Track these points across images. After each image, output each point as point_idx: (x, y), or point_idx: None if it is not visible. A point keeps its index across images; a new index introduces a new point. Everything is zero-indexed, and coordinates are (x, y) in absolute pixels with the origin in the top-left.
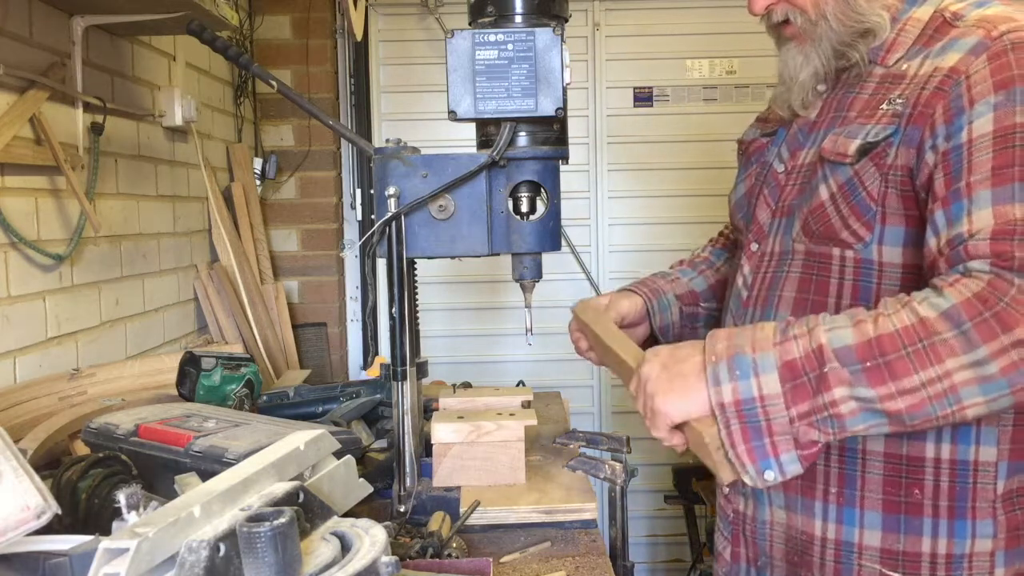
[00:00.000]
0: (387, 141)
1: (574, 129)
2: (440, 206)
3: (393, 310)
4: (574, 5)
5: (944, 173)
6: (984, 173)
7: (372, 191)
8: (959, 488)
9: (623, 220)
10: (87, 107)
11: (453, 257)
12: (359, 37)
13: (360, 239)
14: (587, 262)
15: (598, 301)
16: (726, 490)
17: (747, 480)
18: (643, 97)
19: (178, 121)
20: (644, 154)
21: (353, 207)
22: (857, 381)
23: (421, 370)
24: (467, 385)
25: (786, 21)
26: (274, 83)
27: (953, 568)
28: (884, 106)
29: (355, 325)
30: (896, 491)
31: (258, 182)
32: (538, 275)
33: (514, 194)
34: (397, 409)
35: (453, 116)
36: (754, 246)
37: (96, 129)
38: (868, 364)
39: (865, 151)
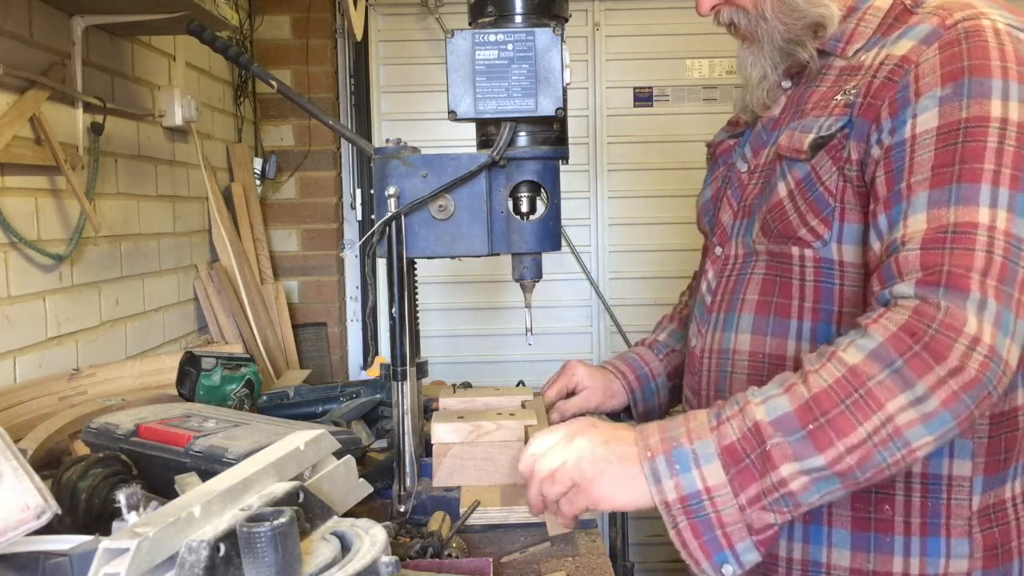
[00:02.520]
0: (387, 141)
1: (574, 129)
2: (440, 206)
3: (393, 310)
4: (574, 5)
5: (886, 171)
6: (924, 173)
7: (372, 191)
8: (931, 504)
9: (623, 220)
10: (87, 107)
11: (453, 257)
12: (359, 37)
13: (360, 239)
14: (587, 262)
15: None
16: None
17: None
18: (643, 97)
19: (178, 121)
20: (644, 154)
21: (353, 207)
22: (803, 451)
23: (421, 370)
24: (467, 385)
25: (733, 22)
26: (274, 83)
27: None
28: (838, 97)
29: (355, 325)
30: (866, 507)
31: (258, 182)
32: (538, 275)
33: (514, 194)
34: (397, 409)
35: (453, 116)
36: (718, 250)
37: (96, 129)
38: (811, 427)
39: (819, 145)
